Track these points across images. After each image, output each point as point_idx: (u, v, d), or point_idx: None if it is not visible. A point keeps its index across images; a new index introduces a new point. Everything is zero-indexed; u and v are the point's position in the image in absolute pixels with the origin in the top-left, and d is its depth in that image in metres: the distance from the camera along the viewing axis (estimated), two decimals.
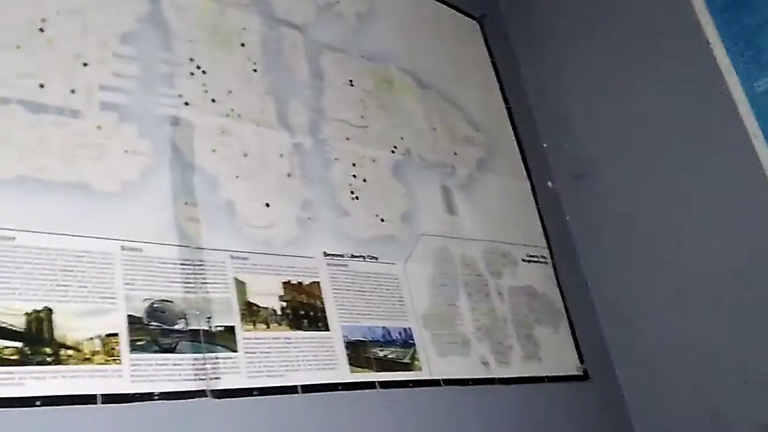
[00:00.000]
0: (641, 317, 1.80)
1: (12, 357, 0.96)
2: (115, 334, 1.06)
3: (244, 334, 1.20)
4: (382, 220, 1.52)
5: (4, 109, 1.10)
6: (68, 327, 1.03)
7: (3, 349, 0.96)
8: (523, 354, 1.62)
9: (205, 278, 1.20)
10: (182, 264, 1.19)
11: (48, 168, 1.11)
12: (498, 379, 1.53)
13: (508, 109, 2.00)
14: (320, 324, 1.30)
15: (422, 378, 1.39)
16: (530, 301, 1.71)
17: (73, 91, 1.18)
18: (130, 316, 1.09)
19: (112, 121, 1.21)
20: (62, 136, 1.15)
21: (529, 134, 2.01)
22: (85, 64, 1.21)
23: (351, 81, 1.63)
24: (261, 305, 1.25)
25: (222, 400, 1.13)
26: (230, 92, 1.40)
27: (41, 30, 1.19)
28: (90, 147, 1.17)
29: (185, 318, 1.15)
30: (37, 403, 0.96)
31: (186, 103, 1.32)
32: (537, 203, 1.90)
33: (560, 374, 1.68)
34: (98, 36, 1.25)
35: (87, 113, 1.19)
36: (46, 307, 1.02)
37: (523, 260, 1.76)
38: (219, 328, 1.18)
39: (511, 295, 1.68)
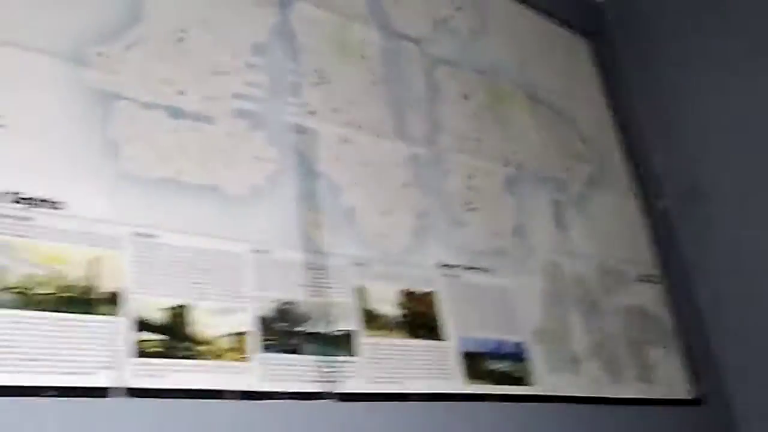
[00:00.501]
0: (758, 340, 1.73)
1: (155, 350, 1.01)
2: (245, 333, 1.10)
3: (363, 340, 1.21)
4: (495, 233, 1.52)
5: (149, 114, 1.16)
6: (203, 324, 1.06)
7: (146, 341, 1.00)
8: (635, 375, 1.58)
9: (327, 283, 1.23)
10: (306, 268, 1.21)
11: (186, 171, 1.16)
12: (609, 399, 1.50)
13: (619, 126, 1.97)
14: (436, 333, 1.31)
15: (535, 393, 1.38)
16: (642, 321, 1.67)
17: (208, 99, 1.24)
18: (258, 316, 1.12)
19: (243, 127, 1.26)
20: (198, 141, 1.20)
21: (639, 151, 1.97)
22: (219, 73, 1.27)
23: (465, 94, 1.64)
24: (380, 312, 1.26)
25: (343, 403, 1.14)
26: (352, 103, 1.43)
27: (181, 40, 1.25)
28: (223, 152, 1.22)
29: (309, 321, 1.17)
30: (177, 395, 1.00)
31: (311, 113, 1.36)
32: (648, 221, 1.86)
33: (672, 397, 1.63)
34: (232, 46, 1.30)
35: (220, 120, 1.24)
36: (183, 303, 1.06)
37: (635, 279, 1.72)
38: (340, 333, 1.20)
39: (623, 314, 1.64)
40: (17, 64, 1.06)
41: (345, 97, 1.42)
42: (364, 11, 1.54)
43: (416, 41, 1.60)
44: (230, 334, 1.08)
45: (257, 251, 1.17)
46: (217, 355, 1.06)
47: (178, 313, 1.05)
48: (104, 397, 0.94)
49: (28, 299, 0.93)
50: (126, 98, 1.14)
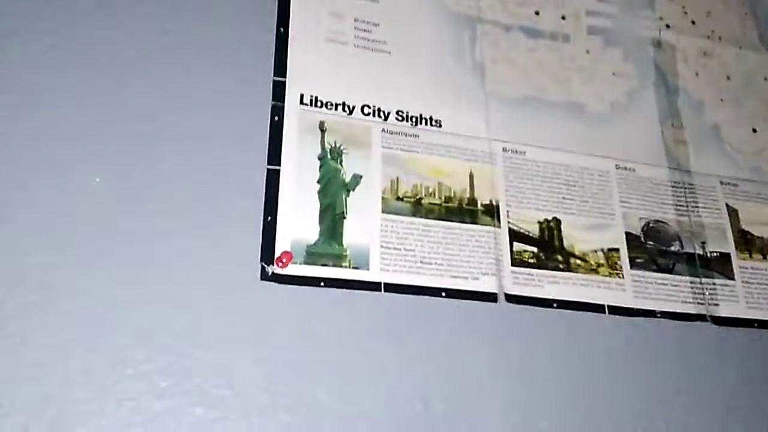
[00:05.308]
0: None
1: (530, 260, 1.02)
2: (616, 249, 1.07)
3: (739, 263, 1.13)
4: None
5: (508, 35, 1.17)
6: (574, 238, 1.06)
7: (522, 252, 1.02)
8: None
9: (696, 202, 1.15)
10: (673, 186, 1.15)
11: (546, 89, 1.15)
12: None
13: None
14: None
15: None
16: None
17: (563, 18, 1.22)
18: (627, 233, 1.09)
19: (598, 44, 1.22)
20: (555, 60, 1.18)
21: None
22: None
23: None
24: (755, 234, 1.16)
25: (720, 327, 1.08)
26: (709, 13, 1.32)
27: None
28: (580, 70, 1.19)
29: (679, 240, 1.11)
30: (554, 305, 1.01)
31: (667, 26, 1.28)
32: None
33: None
34: None
35: (576, 38, 1.21)
36: (554, 217, 1.06)
37: None
38: (714, 254, 1.12)
39: None
40: None
41: (702, 8, 1.32)
42: None
43: None
44: (602, 250, 1.07)
45: (621, 168, 1.14)
46: (591, 270, 1.05)
47: (550, 227, 1.06)
48: (494, 302, 0.98)
49: (418, 207, 1.00)
50: (487, 22, 1.16)
